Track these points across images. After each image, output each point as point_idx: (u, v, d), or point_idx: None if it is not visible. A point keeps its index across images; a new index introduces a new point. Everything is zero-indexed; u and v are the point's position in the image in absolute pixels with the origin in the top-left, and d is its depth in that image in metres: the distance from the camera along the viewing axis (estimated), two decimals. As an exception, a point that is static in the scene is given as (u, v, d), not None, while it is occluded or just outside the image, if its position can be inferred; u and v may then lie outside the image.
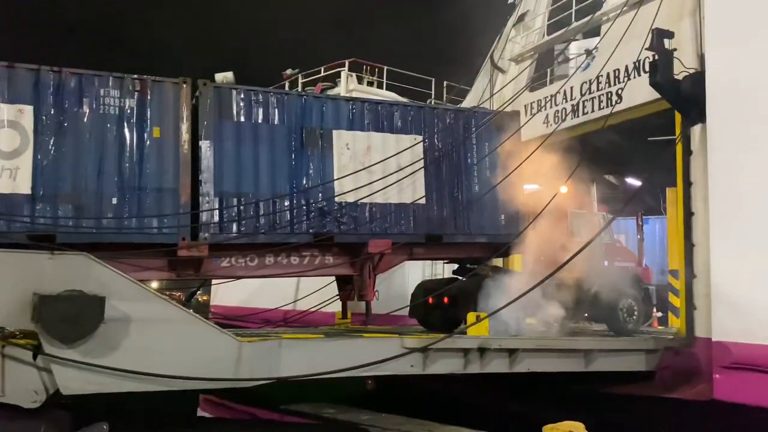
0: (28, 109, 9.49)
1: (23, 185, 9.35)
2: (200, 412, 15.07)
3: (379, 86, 19.28)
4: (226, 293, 20.17)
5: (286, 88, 19.67)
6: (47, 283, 7.53)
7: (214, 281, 17.03)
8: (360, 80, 19.10)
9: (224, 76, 11.12)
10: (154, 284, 12.80)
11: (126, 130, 10.06)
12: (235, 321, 14.46)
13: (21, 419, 7.38)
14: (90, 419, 7.52)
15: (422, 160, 11.83)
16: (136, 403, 8.36)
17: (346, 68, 18.85)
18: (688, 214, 10.93)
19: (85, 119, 9.83)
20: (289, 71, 20.10)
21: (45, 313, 7.39)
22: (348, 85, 18.66)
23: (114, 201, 9.87)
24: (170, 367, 7.89)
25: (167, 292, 13.84)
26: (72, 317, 7.43)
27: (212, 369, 8.15)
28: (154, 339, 7.90)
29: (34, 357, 7.50)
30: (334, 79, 19.20)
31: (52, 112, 9.64)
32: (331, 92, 18.35)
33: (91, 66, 9.93)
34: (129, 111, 10.07)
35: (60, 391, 7.52)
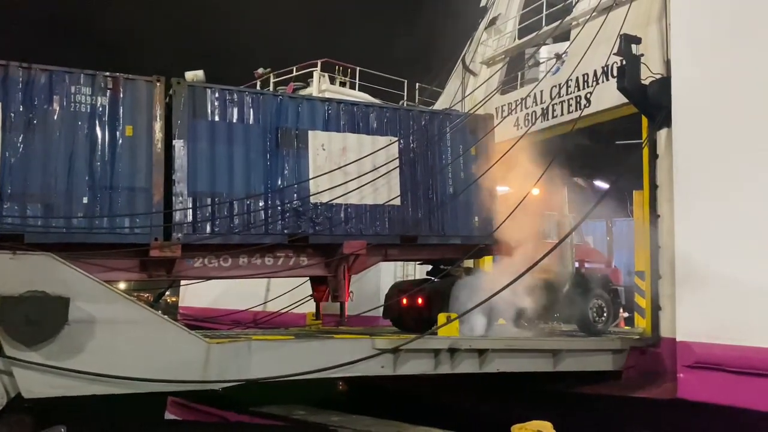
0: (-4, 106, 8.94)
1: (-10, 183, 8.81)
2: (168, 415, 14.54)
3: (352, 87, 18.82)
4: (195, 294, 19.37)
5: (258, 87, 19.09)
6: (9, 284, 7.09)
7: (182, 282, 16.42)
8: (332, 80, 18.59)
9: (195, 75, 10.64)
10: (122, 285, 12.24)
11: (98, 129, 9.53)
12: (204, 322, 13.93)
13: None
14: (53, 423, 7.03)
15: (397, 162, 11.49)
16: (101, 406, 7.87)
17: (319, 68, 18.30)
18: (654, 217, 10.82)
19: (56, 117, 9.29)
20: (260, 70, 19.49)
21: (6, 314, 6.97)
22: (320, 85, 18.13)
23: (85, 200, 9.33)
24: (137, 370, 7.50)
25: (135, 293, 13.31)
26: (35, 319, 7.02)
27: (180, 371, 7.77)
28: (121, 341, 7.50)
29: (-5, 360, 7.06)
30: (306, 79, 18.65)
31: (21, 109, 9.10)
32: (303, 92, 17.85)
33: (56, 62, 9.40)
34: (101, 109, 9.54)
35: (22, 394, 7.08)
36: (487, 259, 11.74)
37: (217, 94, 10.43)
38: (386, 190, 11.38)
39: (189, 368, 7.79)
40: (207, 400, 13.44)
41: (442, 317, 10.05)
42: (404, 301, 11.71)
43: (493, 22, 15.83)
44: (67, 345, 7.20)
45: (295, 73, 18.76)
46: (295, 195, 10.69)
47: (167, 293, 18.16)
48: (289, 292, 13.07)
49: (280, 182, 10.67)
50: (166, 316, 8.15)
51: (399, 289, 12.49)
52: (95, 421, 8.51)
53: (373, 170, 11.19)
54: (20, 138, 9.04)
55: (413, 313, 11.74)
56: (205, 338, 8.04)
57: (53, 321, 7.09)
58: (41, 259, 7.39)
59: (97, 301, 7.43)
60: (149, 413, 9.98)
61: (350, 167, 11.07)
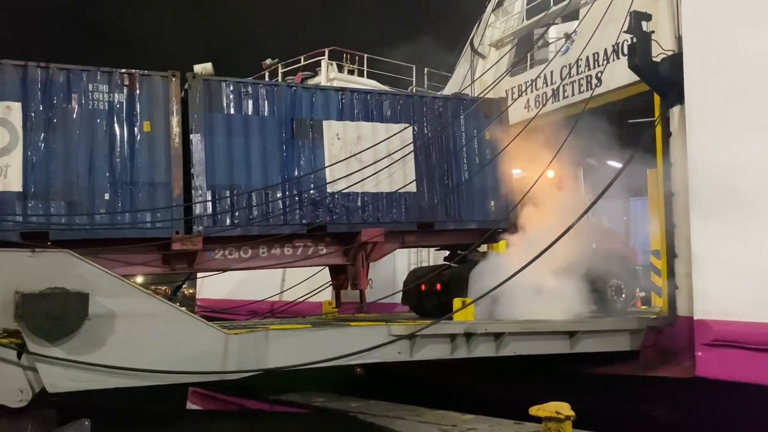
0: (17, 106, 8.82)
1: (14, 183, 8.70)
2: (189, 405, 14.47)
3: (360, 74, 18.36)
4: (212, 286, 19.03)
5: (266, 78, 18.75)
6: (29, 281, 6.93)
7: (199, 274, 16.21)
8: (340, 69, 18.13)
9: (203, 68, 10.38)
10: (139, 279, 12.06)
11: (116, 125, 9.37)
12: (221, 313, 13.76)
13: (7, 419, 6.87)
14: (77, 416, 6.85)
15: (412, 149, 11.15)
16: (124, 398, 7.68)
17: (326, 57, 17.82)
18: (669, 195, 10.37)
19: (75, 115, 9.15)
20: (268, 61, 19.12)
21: (28, 311, 6.81)
22: (328, 74, 17.68)
23: (106, 196, 9.20)
24: (157, 362, 7.32)
25: (153, 286, 13.15)
26: (56, 315, 6.85)
27: (199, 362, 7.59)
28: (140, 334, 7.33)
29: (19, 356, 6.95)
30: (314, 68, 18.22)
31: (41, 109, 8.97)
32: (311, 81, 17.49)
33: (60, 59, 9.20)
34: (118, 106, 9.38)
35: (46, 389, 6.96)
36: (502, 243, 11.33)
37: (231, 87, 10.22)
38: (402, 177, 11.07)
39: (208, 359, 7.61)
40: (227, 390, 13.32)
41: (457, 302, 9.72)
42: (423, 287, 11.38)
43: (500, 3, 15.39)
44: (89, 339, 7.04)
45: (303, 63, 18.32)
46: (312, 185, 10.46)
47: (185, 285, 17.99)
48: (305, 281, 12.87)
49: (296, 173, 10.41)
50: (183, 309, 7.94)
51: (417, 275, 12.21)
52: (120, 413, 8.36)
53: (387, 157, 10.85)
54: (41, 137, 8.94)
55: (432, 298, 11.45)
56: (223, 329, 7.86)
57: (74, 316, 6.92)
58: (59, 256, 7.23)
59: (116, 295, 7.26)
60: (171, 404, 9.79)
61: (365, 155, 10.76)
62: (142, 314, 7.32)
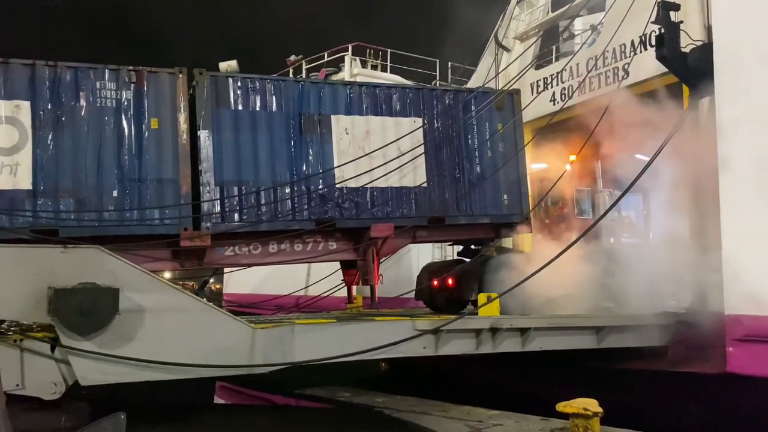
0: (25, 105, 9.89)
1: (24, 181, 9.79)
2: (217, 399, 15.92)
3: (383, 69, 19.78)
4: (238, 281, 20.81)
5: (291, 74, 20.14)
6: (61, 277, 8.00)
7: (225, 270, 17.64)
8: (364, 64, 19.58)
9: (228, 65, 11.53)
10: (167, 274, 13.38)
11: (124, 122, 10.46)
12: (248, 308, 15.06)
13: (41, 411, 7.90)
14: (109, 410, 8.13)
15: (422, 143, 12.23)
16: (153, 392, 8.96)
17: (350, 52, 19.31)
18: (698, 189, 11.41)
19: (83, 113, 10.22)
20: (293, 57, 20.63)
21: (61, 306, 7.88)
22: (352, 70, 19.13)
23: (115, 193, 10.27)
24: (185, 356, 8.39)
25: (180, 282, 14.44)
26: (87, 309, 7.92)
27: (227, 356, 8.67)
28: (169, 328, 8.40)
29: (52, 350, 8.00)
30: (338, 64, 19.66)
31: (50, 107, 10.03)
32: (335, 77, 18.85)
33: (92, 57, 10.40)
34: (126, 103, 10.45)
35: (79, 382, 8.06)
36: (527, 237, 12.61)
37: (239, 83, 11.22)
38: (412, 172, 12.08)
39: (235, 353, 8.68)
40: (254, 384, 14.59)
41: (482, 297, 10.78)
42: (435, 282, 12.52)
43: (524, -5, 16.37)
44: (119, 333, 8.11)
45: (326, 59, 19.75)
46: (321, 181, 11.47)
47: (211, 281, 19.55)
48: (329, 276, 13.98)
49: (305, 168, 11.43)
50: (211, 304, 9.19)
51: (430, 270, 13.30)
52: (148, 406, 9.60)
53: (399, 154, 11.94)
54: (50, 135, 9.96)
55: (444, 294, 12.56)
56: (250, 323, 8.91)
57: (105, 311, 7.99)
58: (90, 252, 8.28)
59: (145, 290, 8.31)
60: (198, 398, 11.02)
61: (375, 150, 11.82)
62: (171, 309, 8.39)
